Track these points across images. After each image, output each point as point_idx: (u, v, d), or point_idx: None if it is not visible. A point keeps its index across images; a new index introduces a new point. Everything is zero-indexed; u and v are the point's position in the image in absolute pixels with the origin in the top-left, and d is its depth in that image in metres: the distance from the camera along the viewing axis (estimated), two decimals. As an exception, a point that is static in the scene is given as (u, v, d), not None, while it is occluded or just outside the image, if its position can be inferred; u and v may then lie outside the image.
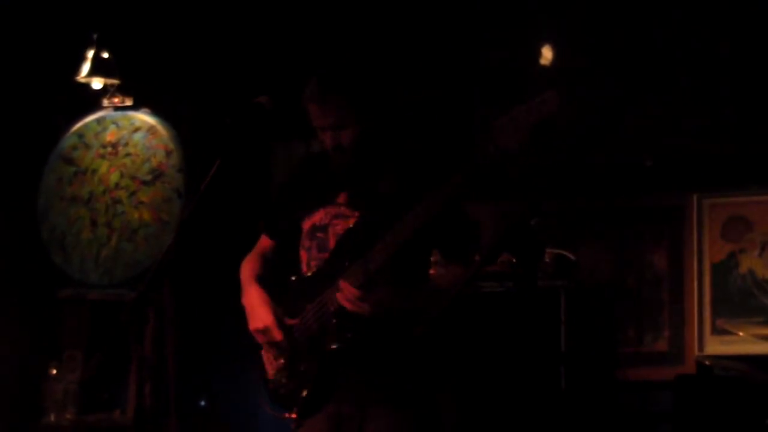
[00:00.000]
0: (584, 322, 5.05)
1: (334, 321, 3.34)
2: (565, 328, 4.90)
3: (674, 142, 5.30)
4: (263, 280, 3.56)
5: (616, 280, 5.42)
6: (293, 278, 3.51)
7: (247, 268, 3.61)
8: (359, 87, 3.36)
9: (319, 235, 3.46)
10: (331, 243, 3.42)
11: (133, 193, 5.87)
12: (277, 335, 3.42)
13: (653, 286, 5.43)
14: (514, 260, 4.91)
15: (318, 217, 3.47)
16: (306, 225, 3.49)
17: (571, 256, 5.12)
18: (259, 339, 3.48)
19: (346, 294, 3.27)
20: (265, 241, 3.67)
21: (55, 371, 5.62)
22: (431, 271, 3.48)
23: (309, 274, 3.47)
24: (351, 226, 3.39)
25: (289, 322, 3.44)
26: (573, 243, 5.24)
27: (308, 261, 3.49)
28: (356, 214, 3.40)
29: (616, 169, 5.41)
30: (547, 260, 5.05)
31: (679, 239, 5.42)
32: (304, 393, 3.40)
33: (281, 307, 3.47)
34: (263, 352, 3.52)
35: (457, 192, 3.17)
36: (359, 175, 3.43)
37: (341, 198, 3.45)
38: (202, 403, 5.89)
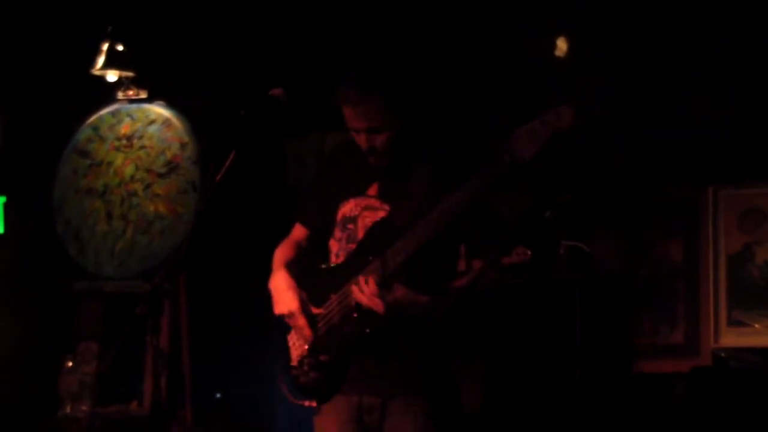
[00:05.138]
0: (599, 314, 5.05)
1: (354, 315, 3.35)
2: (580, 320, 4.90)
3: (690, 134, 5.28)
4: (293, 266, 3.57)
5: (631, 272, 5.41)
6: (322, 266, 3.52)
7: (279, 254, 3.62)
8: (397, 89, 3.36)
9: (349, 226, 3.48)
10: (360, 234, 3.44)
11: (148, 186, 5.86)
12: (301, 321, 3.43)
13: (669, 278, 5.42)
14: (529, 252, 4.90)
15: (348, 207, 3.48)
16: (338, 215, 3.50)
17: (586, 249, 5.12)
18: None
19: (363, 289, 3.28)
20: (298, 230, 3.68)
21: (70, 363, 5.64)
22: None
23: (336, 263, 3.48)
24: (378, 219, 3.40)
25: (315, 310, 3.45)
26: (588, 235, 5.23)
27: (338, 251, 3.51)
28: (386, 207, 3.41)
29: (631, 161, 5.39)
30: (562, 253, 5.04)
31: (695, 231, 5.40)
32: (322, 384, 3.42)
33: (308, 293, 3.48)
34: (289, 337, 3.53)
35: (473, 197, 3.19)
36: (392, 169, 3.43)
37: (372, 190, 3.46)
38: (218, 395, 5.91)
